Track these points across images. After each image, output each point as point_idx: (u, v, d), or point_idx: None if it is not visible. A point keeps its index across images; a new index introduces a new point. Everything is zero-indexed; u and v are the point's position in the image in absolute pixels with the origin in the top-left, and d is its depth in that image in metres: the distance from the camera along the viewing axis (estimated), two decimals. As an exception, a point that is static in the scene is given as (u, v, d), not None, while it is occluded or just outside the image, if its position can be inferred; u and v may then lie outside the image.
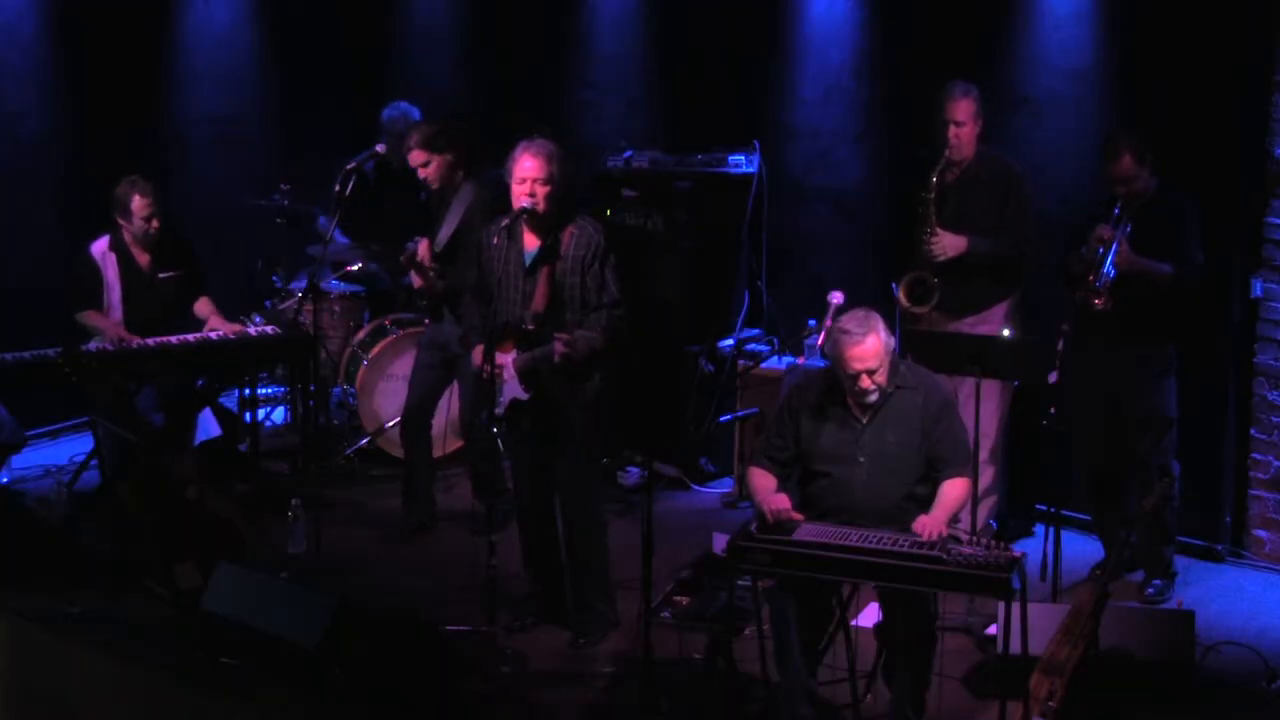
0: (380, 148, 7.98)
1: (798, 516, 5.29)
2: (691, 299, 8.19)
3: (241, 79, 9.65)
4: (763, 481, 5.47)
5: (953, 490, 5.36)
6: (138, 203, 7.27)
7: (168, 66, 9.36)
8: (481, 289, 6.22)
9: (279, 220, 8.92)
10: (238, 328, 7.46)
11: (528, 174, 5.98)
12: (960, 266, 6.81)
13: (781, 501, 5.33)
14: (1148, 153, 6.40)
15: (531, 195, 5.97)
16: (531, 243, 6.09)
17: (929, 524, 5.16)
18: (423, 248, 7.24)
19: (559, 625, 6.30)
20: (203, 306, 7.54)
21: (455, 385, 7.47)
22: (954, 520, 5.35)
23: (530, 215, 6.02)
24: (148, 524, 6.61)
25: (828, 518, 5.34)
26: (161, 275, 7.44)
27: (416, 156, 7.19)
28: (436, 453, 7.74)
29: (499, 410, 6.08)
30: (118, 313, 7.38)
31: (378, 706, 5.47)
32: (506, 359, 6.04)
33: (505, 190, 6.12)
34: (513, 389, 6.06)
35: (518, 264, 6.08)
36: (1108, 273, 6.30)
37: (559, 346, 5.93)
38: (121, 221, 7.33)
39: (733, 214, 8.14)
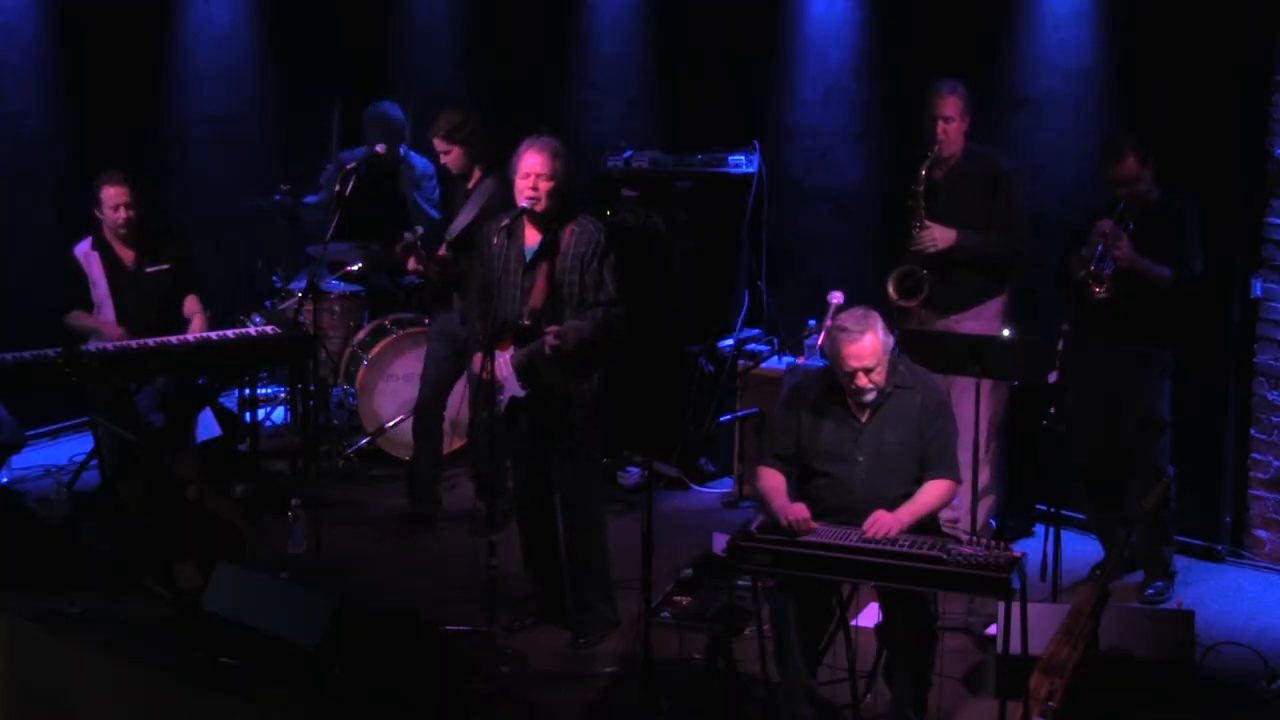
0: (380, 148, 7.99)
1: (814, 526, 5.25)
2: (691, 299, 8.18)
3: (241, 79, 9.65)
4: (774, 482, 5.44)
5: (931, 491, 5.35)
6: (107, 193, 7.28)
7: (168, 66, 9.35)
8: (483, 288, 6.22)
9: (279, 220, 8.92)
10: (219, 333, 7.42)
11: (531, 169, 6.00)
12: (949, 261, 6.81)
13: (800, 511, 5.27)
14: (1150, 155, 6.40)
15: (534, 190, 5.99)
16: (532, 239, 6.10)
17: (882, 519, 5.15)
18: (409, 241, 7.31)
19: (559, 625, 6.30)
20: (190, 304, 7.52)
21: (460, 383, 7.48)
22: (938, 523, 5.35)
23: (531, 213, 6.03)
24: (148, 524, 6.61)
25: (827, 517, 5.34)
26: (149, 269, 7.44)
27: (437, 145, 7.35)
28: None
29: (499, 408, 6.08)
30: (108, 310, 7.37)
31: (378, 706, 5.46)
32: (504, 356, 6.04)
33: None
34: (511, 386, 6.06)
35: (518, 260, 6.09)
36: (1107, 267, 6.29)
37: (550, 339, 5.94)
38: (98, 215, 7.34)
39: (733, 214, 8.13)
